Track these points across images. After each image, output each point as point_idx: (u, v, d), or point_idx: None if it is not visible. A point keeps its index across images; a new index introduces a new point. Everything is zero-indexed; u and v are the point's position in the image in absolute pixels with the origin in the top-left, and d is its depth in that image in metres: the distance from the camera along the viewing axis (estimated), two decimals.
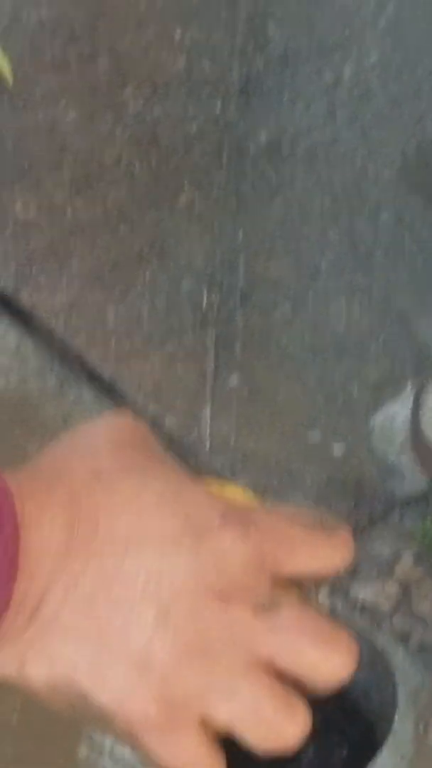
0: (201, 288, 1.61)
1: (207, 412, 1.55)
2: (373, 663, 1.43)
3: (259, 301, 1.61)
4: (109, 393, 1.57)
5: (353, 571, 1.48)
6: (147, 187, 1.66)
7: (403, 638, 1.45)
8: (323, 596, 1.48)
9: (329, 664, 0.86)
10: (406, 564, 1.47)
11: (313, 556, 0.88)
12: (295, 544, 0.88)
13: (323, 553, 0.89)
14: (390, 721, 1.39)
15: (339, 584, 1.47)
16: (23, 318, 1.61)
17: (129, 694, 0.82)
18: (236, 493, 0.99)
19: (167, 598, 0.81)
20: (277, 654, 0.85)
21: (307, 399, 1.56)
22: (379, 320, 1.59)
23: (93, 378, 1.58)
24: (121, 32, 1.72)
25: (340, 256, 1.63)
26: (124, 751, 1.44)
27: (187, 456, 1.55)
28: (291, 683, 0.90)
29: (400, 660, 1.44)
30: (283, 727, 0.85)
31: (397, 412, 1.50)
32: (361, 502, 1.51)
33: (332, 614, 1.41)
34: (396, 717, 1.40)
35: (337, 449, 1.53)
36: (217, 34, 1.71)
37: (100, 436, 0.89)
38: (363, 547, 1.50)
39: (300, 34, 1.71)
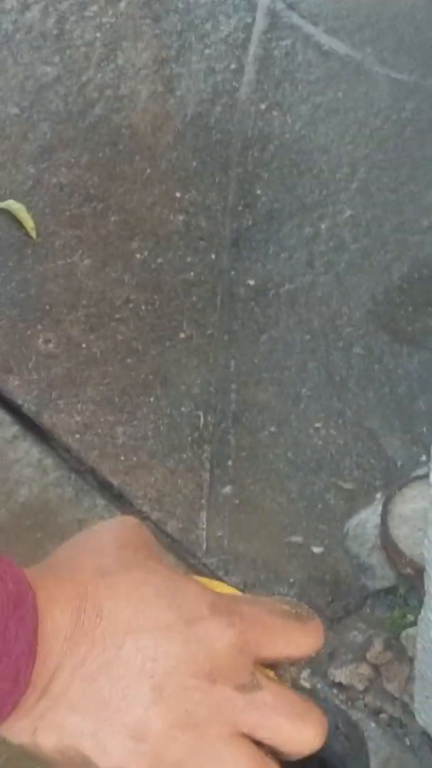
0: (198, 411, 1.69)
1: (203, 518, 1.62)
2: (348, 734, 1.60)
3: (248, 423, 1.68)
4: (119, 501, 1.63)
5: (331, 655, 1.55)
6: (151, 325, 1.74)
7: (375, 713, 1.52)
8: (304, 678, 1.48)
9: (301, 736, 1.01)
10: (377, 649, 1.55)
11: (289, 643, 1.03)
12: (273, 632, 1.03)
13: (298, 640, 1.04)
14: None
15: (318, 667, 1.53)
16: (44, 436, 1.68)
17: (126, 763, 0.96)
18: (223, 588, 1.13)
19: (161, 677, 0.93)
20: (256, 727, 1.00)
21: (290, 507, 1.62)
22: (353, 439, 1.67)
23: (104, 488, 1.64)
24: (129, 193, 1.78)
25: (318, 384, 1.70)
26: None
27: (186, 556, 1.60)
28: (269, 750, 1.05)
29: (372, 732, 1.50)
30: None
31: (368, 518, 1.59)
32: (337, 595, 1.58)
33: (313, 693, 1.53)
34: None
35: (317, 550, 1.60)
36: (212, 195, 1.79)
37: (107, 536, 1.01)
38: (339, 634, 1.56)
39: (283, 194, 1.78)
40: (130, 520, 1.01)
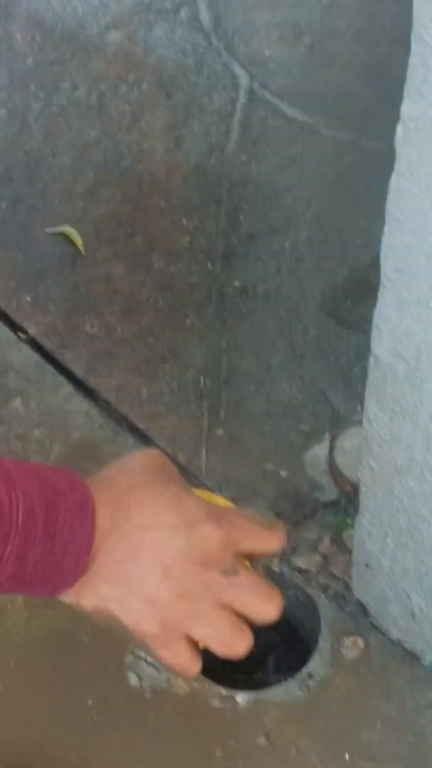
0: (199, 376, 1.71)
1: (203, 452, 1.65)
2: (305, 603, 1.62)
3: (235, 384, 1.70)
4: (144, 440, 1.65)
5: (293, 549, 1.55)
6: (166, 315, 1.76)
7: (324, 589, 1.52)
8: (275, 564, 1.53)
9: (264, 609, 1.06)
10: (326, 544, 1.56)
11: (260, 542, 1.08)
12: (250, 534, 1.08)
13: (266, 539, 1.09)
14: (316, 639, 1.56)
15: (285, 557, 1.53)
16: (90, 394, 1.69)
17: (142, 620, 1.01)
18: (218, 500, 1.17)
19: (168, 562, 0.99)
20: (234, 601, 1.06)
21: (264, 444, 1.65)
22: (309, 396, 1.69)
23: (133, 431, 1.66)
24: (150, 221, 1.80)
25: (285, 356, 1.73)
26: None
27: (191, 478, 1.62)
28: (244, 619, 1.08)
29: (322, 602, 1.51)
30: (234, 642, 1.05)
31: (320, 451, 1.63)
32: (298, 506, 1.59)
33: (281, 576, 1.54)
34: (320, 637, 1.55)
35: (283, 474, 1.62)
36: (208, 222, 1.80)
37: (136, 462, 1.04)
38: (299, 533, 1.56)
39: (258, 222, 1.80)
40: (154, 451, 1.05)
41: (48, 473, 0.94)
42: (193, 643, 1.03)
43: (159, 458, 1.04)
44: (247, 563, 1.10)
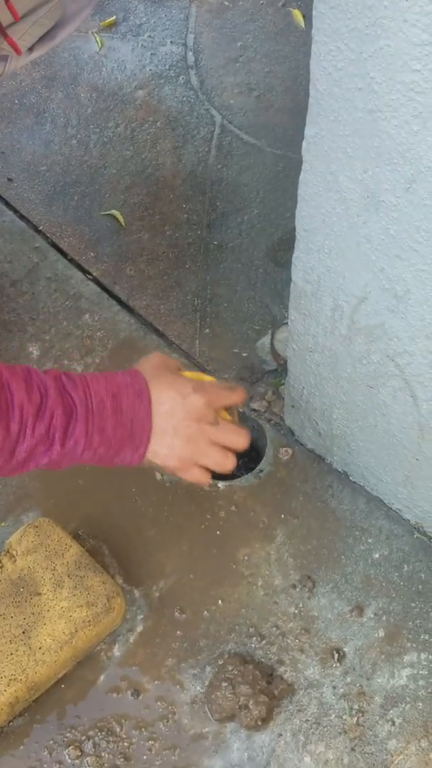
0: (193, 298, 1.68)
1: (197, 343, 1.62)
2: (258, 429, 1.60)
3: (214, 301, 1.67)
4: (162, 337, 1.62)
5: (251, 398, 1.55)
6: (173, 261, 1.72)
7: (268, 421, 1.52)
8: (242, 408, 1.51)
9: (238, 442, 1.06)
10: (269, 394, 1.55)
11: (228, 398, 1.07)
12: (221, 395, 1.07)
13: (232, 396, 1.09)
14: (264, 449, 1.55)
15: (246, 402, 1.52)
16: (130, 310, 1.66)
17: (167, 460, 1.01)
18: (204, 376, 1.15)
19: (175, 421, 1.00)
20: (220, 439, 1.05)
21: (233, 337, 1.63)
22: (259, 307, 1.66)
23: (156, 331, 1.63)
24: (164, 206, 1.74)
25: (244, 285, 1.69)
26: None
27: (189, 359, 1.58)
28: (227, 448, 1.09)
29: (268, 428, 1.50)
30: (225, 463, 1.05)
31: (266, 340, 1.61)
32: (252, 373, 1.59)
33: (244, 414, 1.54)
34: (266, 448, 1.55)
35: (244, 354, 1.61)
36: (198, 206, 1.75)
37: (154, 359, 1.06)
38: (254, 388, 1.56)
39: (227, 205, 1.75)
40: (158, 354, 1.06)
41: (117, 374, 0.97)
42: (203, 468, 1.05)
43: (162, 357, 1.05)
44: (225, 414, 1.11)
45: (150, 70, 1.97)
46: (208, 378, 1.16)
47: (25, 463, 0.88)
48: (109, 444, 0.92)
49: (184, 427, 1.00)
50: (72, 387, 0.90)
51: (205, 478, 1.07)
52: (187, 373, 1.11)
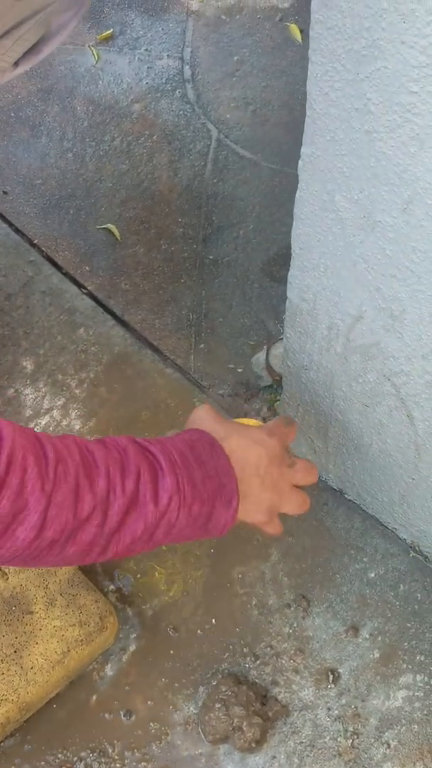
0: (189, 313, 1.67)
1: (192, 358, 1.61)
2: None
3: (209, 316, 1.66)
4: (157, 353, 1.61)
5: (245, 414, 1.53)
6: (169, 276, 1.71)
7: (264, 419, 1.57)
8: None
9: (312, 478, 1.02)
10: (264, 410, 1.54)
11: (292, 436, 1.04)
12: (285, 433, 1.03)
13: (293, 432, 1.04)
14: None
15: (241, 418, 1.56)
16: (125, 325, 1.65)
17: (256, 515, 0.97)
18: (251, 422, 1.10)
19: (262, 471, 0.94)
20: (299, 481, 1.01)
21: (229, 352, 1.61)
22: (254, 322, 1.65)
23: (150, 346, 1.62)
24: (159, 220, 1.73)
25: (241, 298, 1.67)
26: None
27: (185, 375, 1.58)
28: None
29: None
30: (305, 504, 1.02)
31: (261, 356, 1.60)
32: (248, 389, 1.58)
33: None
34: None
35: (239, 370, 1.58)
36: (194, 220, 1.74)
37: (202, 411, 0.97)
38: (250, 405, 1.54)
39: (223, 219, 1.74)
40: (206, 406, 0.98)
41: (177, 434, 0.90)
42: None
43: (210, 408, 0.98)
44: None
45: (146, 83, 1.97)
46: (253, 422, 1.11)
47: (119, 531, 0.75)
48: (203, 499, 0.82)
49: (269, 477, 0.91)
50: (148, 443, 0.82)
51: (280, 529, 1.01)
52: (242, 420, 1.06)
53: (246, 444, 0.91)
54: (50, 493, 0.68)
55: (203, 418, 0.95)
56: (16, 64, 1.16)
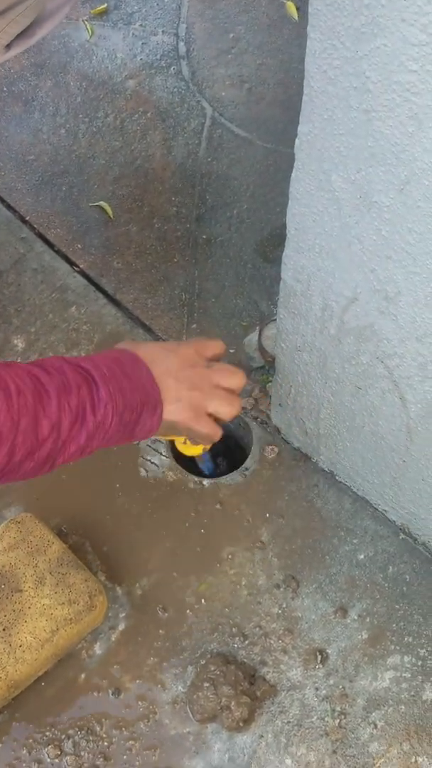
0: (181, 293, 1.66)
1: (184, 335, 1.60)
2: (243, 426, 1.57)
3: (202, 296, 1.65)
4: (149, 331, 1.60)
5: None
6: (162, 255, 1.70)
7: (255, 418, 1.50)
8: None
9: (236, 379, 1.04)
10: (256, 392, 1.54)
11: (213, 347, 1.05)
12: (205, 344, 1.05)
13: (215, 346, 1.06)
14: (250, 447, 1.54)
15: None
16: (117, 304, 1.64)
17: (184, 412, 0.98)
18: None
19: (176, 372, 0.97)
20: (219, 380, 1.03)
21: (221, 331, 1.60)
22: (247, 303, 1.64)
23: (143, 325, 1.61)
24: (153, 198, 1.73)
25: (234, 281, 1.66)
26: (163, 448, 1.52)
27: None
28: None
29: (254, 426, 1.49)
30: (234, 405, 1.03)
31: (253, 337, 1.59)
32: (242, 358, 1.60)
33: None
34: (252, 446, 1.53)
35: (231, 350, 1.58)
36: (188, 199, 1.72)
37: (126, 342, 1.02)
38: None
39: (217, 198, 1.72)
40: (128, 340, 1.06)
41: (107, 352, 0.94)
42: (212, 418, 1.02)
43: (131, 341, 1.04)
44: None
45: (141, 59, 1.95)
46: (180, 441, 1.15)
47: (67, 443, 0.83)
48: (132, 407, 0.89)
49: (183, 377, 0.96)
50: (79, 360, 0.88)
51: (217, 430, 1.03)
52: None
53: (157, 350, 0.97)
54: (17, 423, 0.76)
55: (123, 344, 1.00)
56: (9, 46, 1.14)
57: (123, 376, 0.89)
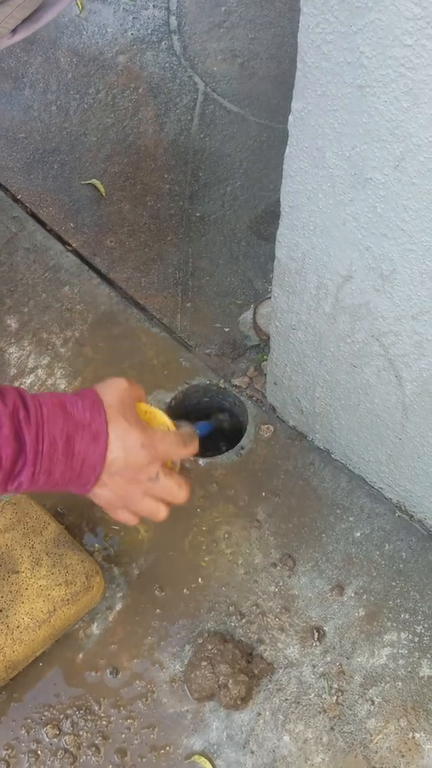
0: (175, 271, 1.64)
1: (178, 317, 1.59)
2: (239, 405, 1.57)
3: (196, 275, 1.64)
4: (143, 312, 1.59)
5: (232, 373, 1.52)
6: (155, 233, 1.68)
7: (250, 397, 1.50)
8: (222, 384, 1.49)
9: (177, 496, 0.97)
10: (251, 370, 1.54)
11: (178, 454, 0.99)
12: (170, 452, 0.98)
13: (182, 452, 0.99)
14: (245, 427, 1.53)
15: (228, 379, 1.50)
16: (110, 283, 1.63)
17: (101, 501, 0.94)
18: (158, 414, 1.03)
19: (118, 470, 0.90)
20: (156, 493, 0.98)
21: (215, 311, 1.60)
22: (241, 281, 1.63)
23: (137, 305, 1.60)
24: (145, 176, 1.71)
25: (227, 258, 1.65)
26: None
27: (171, 333, 1.56)
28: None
29: (249, 405, 1.48)
30: (158, 514, 0.99)
31: (248, 315, 1.58)
32: (235, 348, 1.56)
33: (225, 390, 1.52)
34: (247, 425, 1.53)
35: (226, 329, 1.58)
36: (180, 176, 1.70)
37: (120, 388, 0.93)
38: (236, 363, 1.53)
39: (210, 175, 1.70)
40: (124, 382, 0.95)
41: (78, 409, 0.88)
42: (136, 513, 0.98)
43: (126, 387, 0.95)
44: (170, 464, 1.02)
45: (132, 34, 1.93)
46: (160, 416, 1.05)
47: None
48: (55, 484, 0.88)
49: (119, 480, 0.93)
50: (26, 424, 0.84)
51: (132, 521, 1.01)
52: (142, 406, 1.01)
53: (117, 443, 0.90)
54: None
55: (115, 388, 0.94)
56: (15, 31, 1.13)
57: (63, 457, 0.87)
